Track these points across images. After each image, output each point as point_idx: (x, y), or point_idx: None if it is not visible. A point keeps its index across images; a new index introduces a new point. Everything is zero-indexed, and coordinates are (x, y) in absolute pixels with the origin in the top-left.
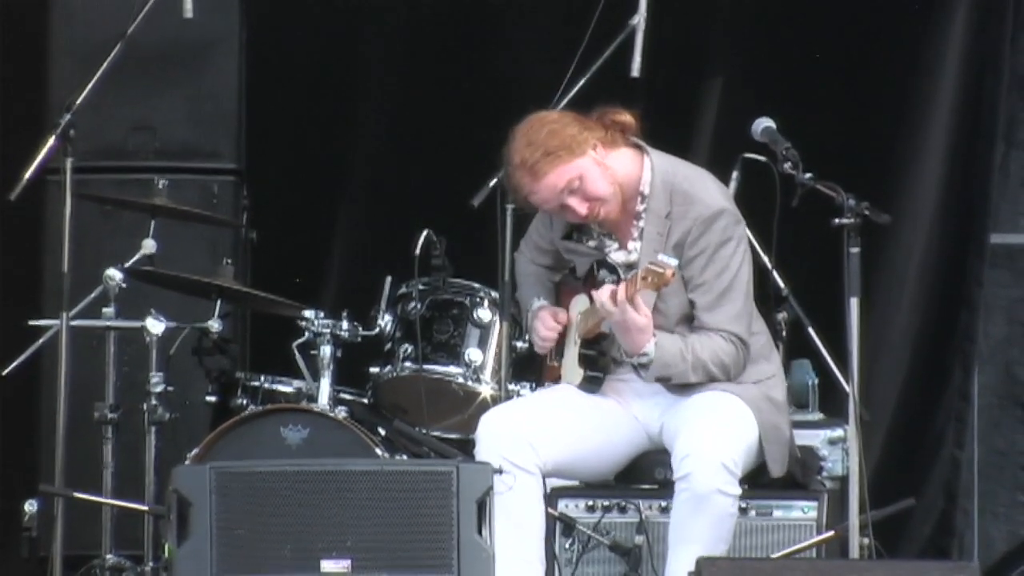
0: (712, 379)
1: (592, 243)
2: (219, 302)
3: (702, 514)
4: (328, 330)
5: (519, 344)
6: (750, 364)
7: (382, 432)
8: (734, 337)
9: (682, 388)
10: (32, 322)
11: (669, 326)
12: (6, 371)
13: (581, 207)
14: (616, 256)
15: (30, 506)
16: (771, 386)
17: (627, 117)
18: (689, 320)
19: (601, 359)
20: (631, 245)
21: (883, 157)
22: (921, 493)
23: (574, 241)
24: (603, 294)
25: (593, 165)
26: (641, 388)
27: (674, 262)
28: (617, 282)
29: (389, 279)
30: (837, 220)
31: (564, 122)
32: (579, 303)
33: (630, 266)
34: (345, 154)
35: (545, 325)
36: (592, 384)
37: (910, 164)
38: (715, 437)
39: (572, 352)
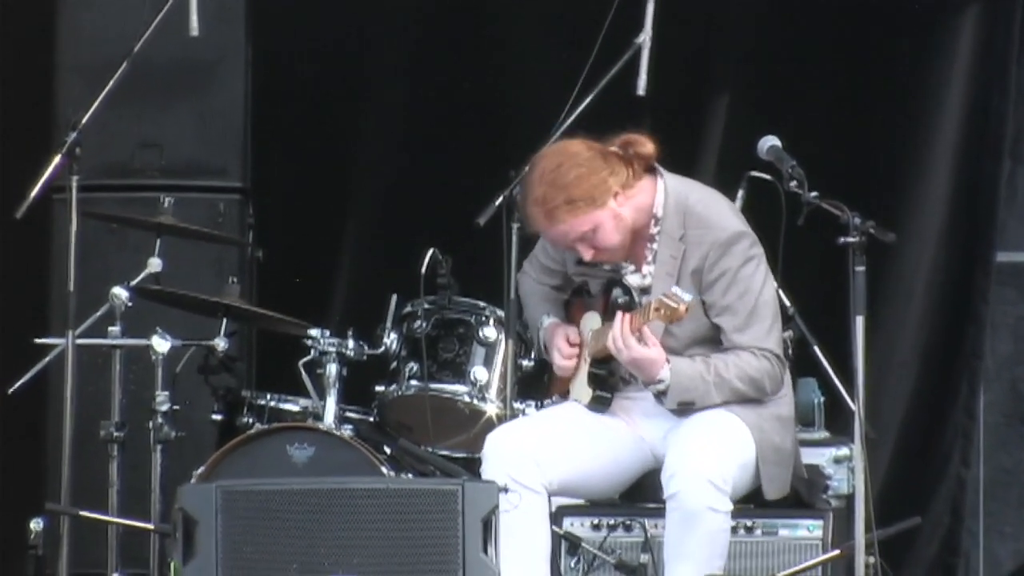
0: (743, 398)
1: (607, 266)
2: (225, 320)
3: (694, 532)
4: (334, 349)
5: (524, 362)
6: None
7: (388, 450)
8: (767, 352)
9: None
10: (38, 340)
11: (680, 348)
12: (12, 389)
13: (587, 253)
14: (631, 279)
15: (36, 524)
16: (780, 405)
17: (650, 148)
18: (703, 343)
19: (611, 379)
20: (645, 268)
21: (889, 175)
22: (927, 512)
23: (589, 265)
24: (615, 333)
25: (610, 218)
26: (649, 407)
27: (688, 297)
28: (630, 303)
29: (395, 298)
30: (842, 238)
31: (592, 166)
32: (591, 320)
33: (644, 290)
34: (351, 173)
35: (563, 353)
36: (600, 404)
37: (916, 182)
38: (702, 454)
39: (582, 369)
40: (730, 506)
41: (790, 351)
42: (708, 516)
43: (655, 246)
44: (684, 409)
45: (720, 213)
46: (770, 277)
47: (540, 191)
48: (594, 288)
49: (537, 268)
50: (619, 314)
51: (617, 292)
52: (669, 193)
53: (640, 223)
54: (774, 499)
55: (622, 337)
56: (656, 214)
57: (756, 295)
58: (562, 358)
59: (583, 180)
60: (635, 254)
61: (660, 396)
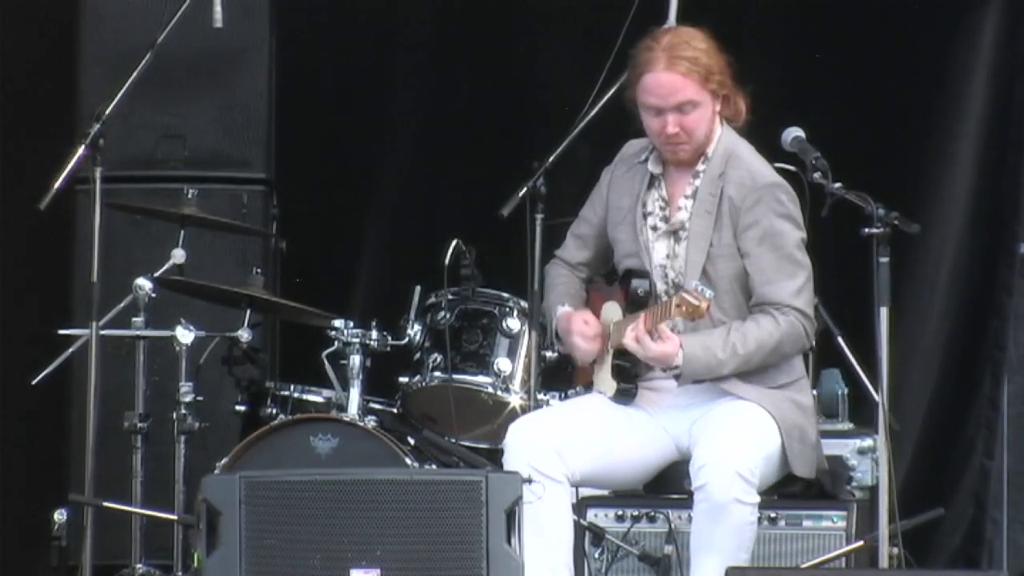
0: (761, 366)
1: (650, 219)
2: (249, 311)
3: (721, 524)
4: (357, 340)
5: (548, 354)
6: (778, 368)
7: (411, 441)
8: (792, 311)
9: (718, 391)
10: (62, 331)
11: (720, 289)
12: (36, 380)
13: (673, 127)
14: (660, 245)
15: (60, 515)
16: (797, 389)
17: (743, 106)
18: (740, 283)
19: (634, 368)
20: (682, 203)
21: (913, 166)
22: (950, 503)
23: (639, 204)
24: (629, 340)
25: (709, 106)
26: (674, 399)
27: (710, 293)
28: (649, 294)
29: (418, 289)
30: (867, 230)
31: (721, 63)
32: (611, 311)
33: (674, 234)
34: (375, 163)
35: (583, 336)
36: (624, 396)
37: (940, 173)
38: (731, 446)
39: (605, 361)
40: (757, 499)
41: (814, 344)
42: (736, 508)
43: (697, 182)
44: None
45: (763, 163)
46: (804, 236)
47: (671, 40)
48: (620, 251)
49: (570, 246)
50: (641, 315)
51: (636, 283)
52: (722, 140)
53: (700, 147)
54: (801, 476)
55: (637, 339)
56: (707, 153)
57: (788, 251)
58: (585, 341)
59: (712, 56)
60: (674, 193)
61: (675, 377)
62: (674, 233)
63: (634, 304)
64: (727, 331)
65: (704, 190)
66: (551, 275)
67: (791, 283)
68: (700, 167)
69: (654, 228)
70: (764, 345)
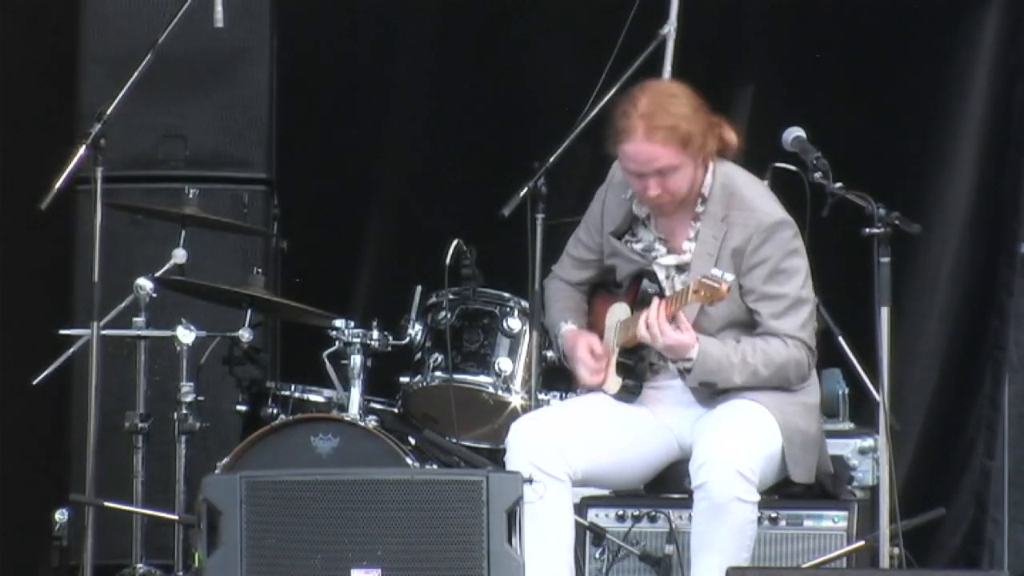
0: (766, 383)
1: (639, 246)
2: (250, 311)
3: (722, 522)
4: (358, 340)
5: (549, 354)
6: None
7: (412, 441)
8: (798, 342)
9: (720, 395)
10: (63, 331)
11: (714, 330)
12: (37, 380)
13: (654, 189)
14: (665, 260)
15: (61, 515)
16: (806, 393)
17: (733, 138)
18: (737, 325)
19: (639, 365)
20: (686, 246)
21: (913, 166)
22: (951, 503)
23: (622, 242)
24: (649, 319)
25: (691, 167)
26: (677, 398)
27: (731, 277)
28: (660, 292)
29: (419, 288)
30: (868, 230)
31: (700, 118)
32: (618, 311)
33: (680, 268)
34: (376, 163)
35: (589, 367)
36: (629, 394)
37: (941, 173)
38: (730, 445)
39: (610, 360)
40: (757, 497)
41: (815, 344)
42: (736, 507)
43: (698, 225)
44: (705, 388)
45: (764, 198)
46: (808, 270)
47: (651, 107)
48: (621, 273)
49: (567, 266)
50: (655, 300)
51: (646, 283)
52: (717, 175)
53: (691, 196)
54: (800, 482)
55: (658, 323)
56: (703, 194)
57: (797, 288)
58: (590, 374)
59: (691, 121)
60: (676, 232)
61: (684, 373)
62: (678, 266)
63: (643, 303)
64: (736, 342)
65: (707, 231)
66: (550, 289)
67: (797, 317)
68: (699, 209)
69: (653, 257)
70: (771, 360)
